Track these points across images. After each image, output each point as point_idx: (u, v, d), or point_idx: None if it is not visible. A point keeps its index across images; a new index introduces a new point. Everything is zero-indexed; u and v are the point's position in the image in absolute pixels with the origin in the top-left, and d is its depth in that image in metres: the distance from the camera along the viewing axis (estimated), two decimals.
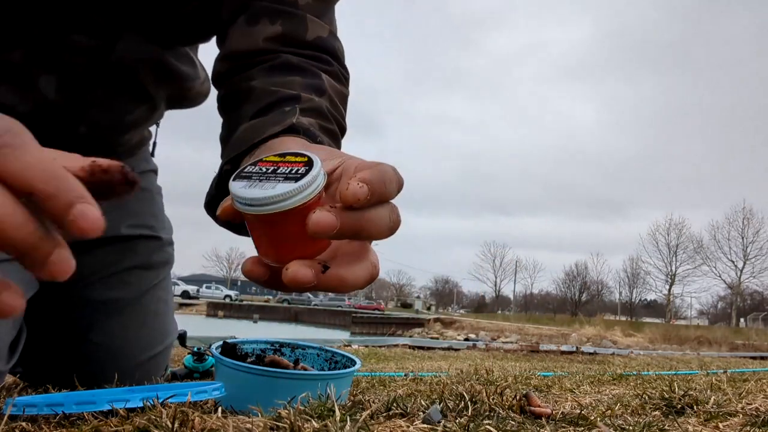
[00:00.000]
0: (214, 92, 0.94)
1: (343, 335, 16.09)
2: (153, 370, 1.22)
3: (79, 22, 0.87)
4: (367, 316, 35.23)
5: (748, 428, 0.69)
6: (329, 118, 0.80)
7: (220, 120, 0.86)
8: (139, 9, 0.89)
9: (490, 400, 0.77)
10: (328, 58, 0.88)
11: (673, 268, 46.64)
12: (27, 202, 0.39)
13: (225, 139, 0.80)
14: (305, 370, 0.82)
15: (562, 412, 0.72)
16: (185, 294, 37.82)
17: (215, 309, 34.27)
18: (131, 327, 1.16)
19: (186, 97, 1.11)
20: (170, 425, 0.48)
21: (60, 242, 0.41)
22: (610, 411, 0.79)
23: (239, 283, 55.39)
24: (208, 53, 1.09)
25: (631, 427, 0.65)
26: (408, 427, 0.58)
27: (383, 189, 0.49)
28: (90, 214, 0.39)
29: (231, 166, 0.72)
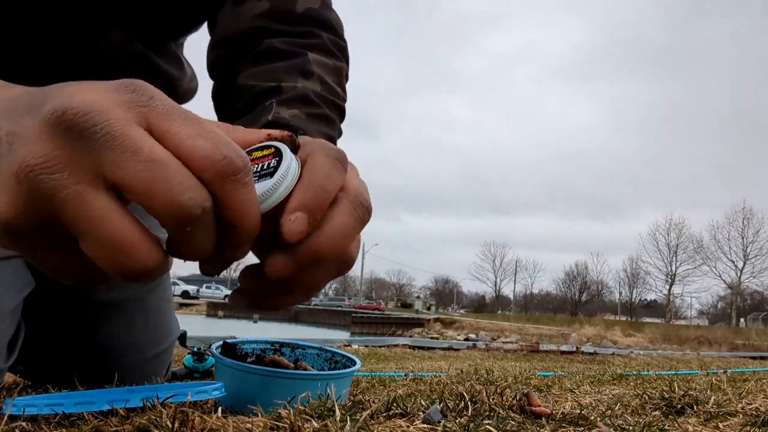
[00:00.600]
0: (204, 90, 0.94)
1: (343, 335, 16.08)
2: (158, 367, 1.22)
3: (63, 22, 0.85)
4: (367, 316, 35.22)
5: (748, 428, 0.69)
6: (317, 102, 0.77)
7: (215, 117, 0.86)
8: (125, 6, 0.88)
9: (490, 400, 0.77)
10: (317, 31, 0.85)
11: (673, 268, 46.65)
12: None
13: None
14: (305, 370, 0.82)
15: (562, 412, 0.72)
16: (185, 294, 37.80)
17: (215, 309, 34.25)
18: (135, 326, 1.16)
19: (173, 95, 1.10)
20: (170, 425, 0.48)
21: None
22: (610, 411, 0.79)
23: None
24: (196, 48, 1.08)
25: (631, 427, 0.65)
26: (408, 427, 0.58)
27: (323, 195, 0.43)
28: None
29: None
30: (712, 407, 0.83)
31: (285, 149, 0.44)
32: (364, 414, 0.51)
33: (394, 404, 0.65)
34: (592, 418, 0.68)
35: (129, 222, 0.34)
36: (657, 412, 0.82)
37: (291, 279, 0.44)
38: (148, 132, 0.35)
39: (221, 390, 0.64)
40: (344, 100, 0.84)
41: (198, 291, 41.50)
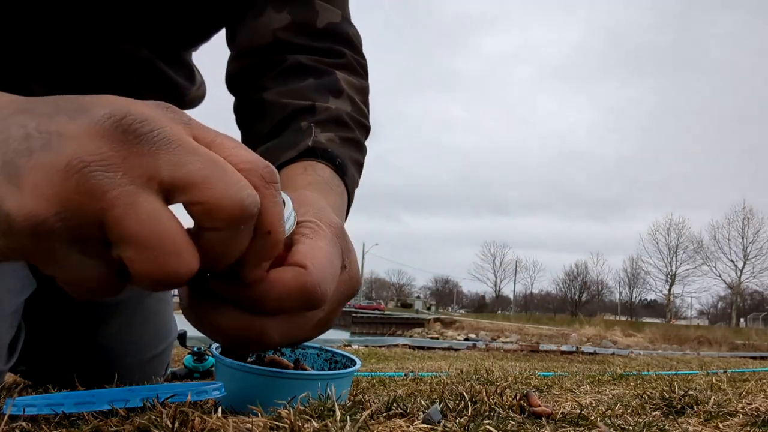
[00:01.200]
0: (215, 95, 0.93)
1: (343, 335, 16.08)
2: (156, 368, 1.22)
3: (72, 29, 0.85)
4: (367, 316, 35.23)
5: (748, 428, 0.69)
6: (349, 125, 0.76)
7: (217, 118, 0.85)
8: (137, 18, 0.86)
9: (490, 400, 0.77)
10: (341, 49, 0.84)
11: (673, 268, 46.67)
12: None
13: None
14: (305, 370, 0.82)
15: (562, 412, 0.72)
16: None
17: None
18: (135, 327, 1.16)
19: (180, 103, 1.09)
20: (170, 425, 0.48)
21: None
22: (610, 411, 0.79)
23: None
24: (207, 55, 1.07)
25: (631, 427, 0.65)
26: (408, 427, 0.58)
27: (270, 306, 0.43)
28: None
29: None
30: (712, 407, 0.83)
31: (288, 201, 0.45)
32: (364, 414, 0.51)
33: (394, 404, 0.65)
34: (592, 418, 0.68)
35: (177, 225, 0.34)
36: (657, 412, 0.82)
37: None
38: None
39: (221, 390, 0.64)
40: (368, 119, 0.83)
41: None
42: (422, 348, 5.29)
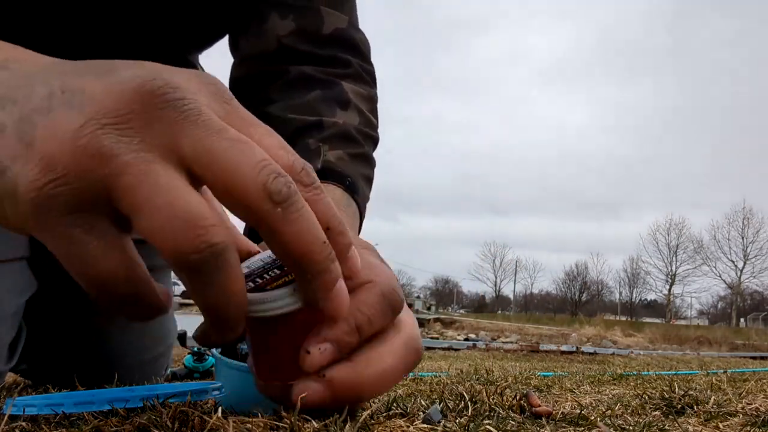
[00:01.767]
0: None
1: None
2: (157, 368, 1.22)
3: (76, 31, 0.84)
4: None
5: (748, 428, 0.69)
6: (357, 139, 0.74)
7: None
8: (140, 21, 0.86)
9: (490, 400, 0.77)
10: (347, 57, 0.81)
11: (673, 268, 46.67)
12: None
13: None
14: None
15: (562, 412, 0.72)
16: (185, 294, 37.80)
17: None
18: (135, 328, 1.16)
19: None
20: (170, 425, 0.48)
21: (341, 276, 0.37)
22: (610, 411, 0.79)
23: None
24: (213, 57, 1.06)
25: (631, 427, 0.65)
26: (408, 427, 0.58)
27: (355, 338, 0.41)
28: (357, 261, 0.39)
29: None
30: (712, 407, 0.83)
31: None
32: (364, 414, 0.51)
33: (394, 404, 0.65)
34: (592, 418, 0.68)
35: (198, 196, 0.31)
36: (657, 412, 0.82)
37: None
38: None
39: (221, 390, 0.64)
40: (377, 129, 0.81)
41: None
42: None
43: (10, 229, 0.33)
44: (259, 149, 0.33)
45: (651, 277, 49.32)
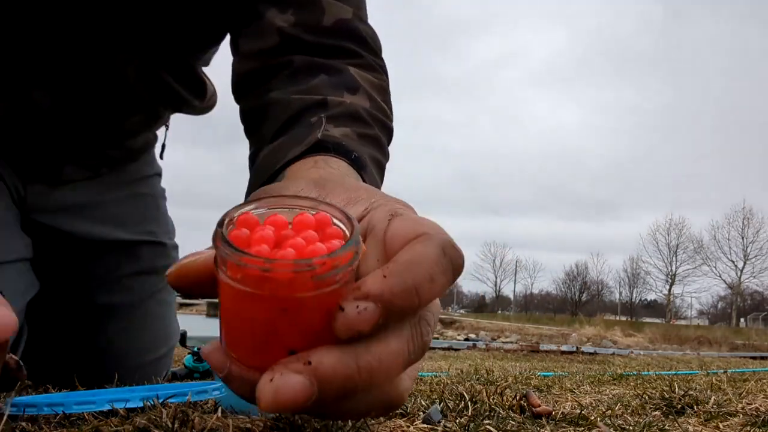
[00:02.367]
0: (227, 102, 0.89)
1: None
2: (158, 370, 1.22)
3: (75, 38, 0.84)
4: None
5: (748, 428, 0.69)
6: (367, 121, 0.67)
7: (220, 117, 0.80)
8: (136, 27, 0.85)
9: (490, 400, 0.77)
10: (354, 48, 0.75)
11: (673, 268, 46.65)
12: None
13: (250, 168, 0.70)
14: None
15: (562, 412, 0.72)
16: (186, 294, 37.71)
17: (215, 309, 34.06)
18: (134, 330, 1.16)
19: (191, 110, 1.08)
20: (170, 425, 0.48)
21: None
22: (610, 411, 0.79)
23: None
24: (219, 63, 1.05)
25: (631, 427, 0.65)
26: (408, 427, 0.58)
27: (412, 300, 0.32)
28: None
29: None
30: (712, 407, 0.83)
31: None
32: None
33: None
34: (592, 418, 0.68)
35: None
36: (657, 412, 0.81)
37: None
38: None
39: (221, 390, 0.64)
40: (392, 119, 0.74)
41: None
42: None
43: None
44: None
45: (651, 277, 49.35)
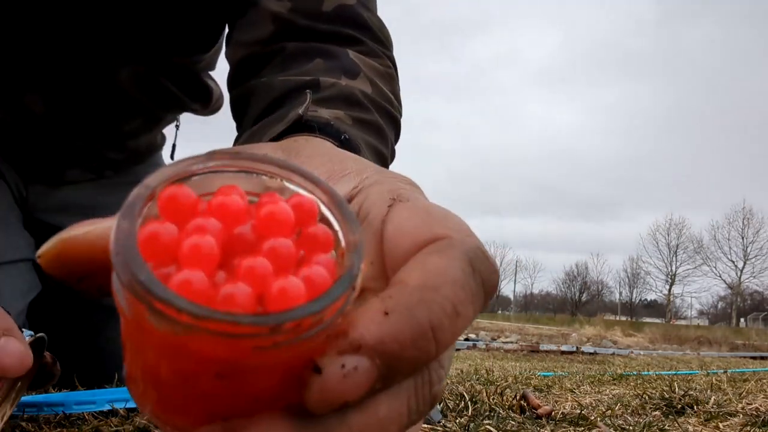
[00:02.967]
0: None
1: None
2: None
3: (69, 43, 0.83)
4: None
5: (748, 428, 0.69)
6: (366, 105, 0.57)
7: (227, 119, 0.77)
8: (129, 28, 0.83)
9: (490, 400, 0.77)
10: (355, 34, 0.67)
11: (673, 268, 46.64)
12: None
13: None
14: None
15: (562, 412, 0.72)
16: None
17: None
18: None
19: (195, 112, 1.08)
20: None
21: None
22: (610, 411, 0.79)
23: None
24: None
25: (631, 427, 0.65)
26: None
27: (427, 348, 0.21)
28: (11, 348, 0.35)
29: None
30: (712, 407, 0.83)
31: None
32: None
33: None
34: (592, 418, 0.68)
35: None
36: (657, 412, 0.81)
37: None
38: None
39: None
40: (400, 111, 0.65)
41: None
42: None
43: None
44: None
45: (651, 277, 49.33)
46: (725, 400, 0.88)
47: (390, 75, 0.66)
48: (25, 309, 0.95)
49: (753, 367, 3.64)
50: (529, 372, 1.89)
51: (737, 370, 2.72)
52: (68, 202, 1.06)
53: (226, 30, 0.83)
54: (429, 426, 0.56)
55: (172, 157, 1.24)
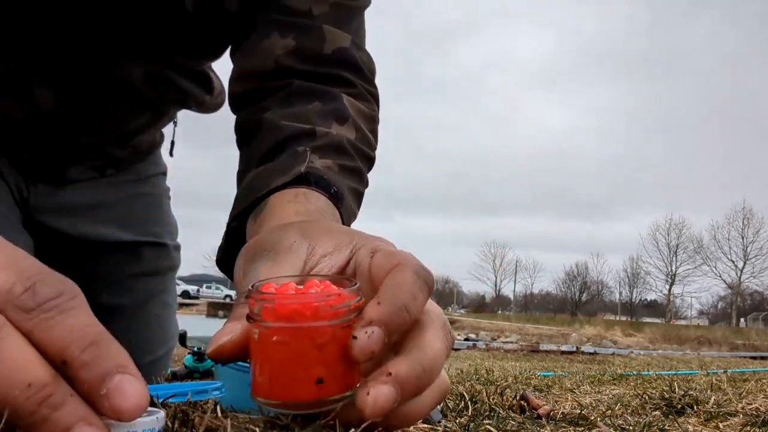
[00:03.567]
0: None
1: None
2: (157, 370, 1.22)
3: (79, 37, 0.84)
4: None
5: (748, 428, 0.69)
6: (350, 152, 0.73)
7: (219, 118, 0.82)
8: (138, 33, 0.85)
9: (490, 400, 0.77)
10: (349, 77, 0.80)
11: (673, 268, 46.67)
12: (64, 375, 0.33)
13: (238, 185, 0.74)
14: None
15: (562, 412, 0.72)
16: (185, 294, 37.78)
17: (215, 309, 34.17)
18: (135, 331, 1.16)
19: (198, 107, 1.08)
20: (170, 425, 0.48)
21: (87, 418, 0.32)
22: (610, 411, 0.79)
23: None
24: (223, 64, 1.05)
25: (631, 427, 0.65)
26: (407, 426, 0.57)
27: (404, 317, 0.40)
28: (129, 388, 0.33)
29: (239, 222, 0.67)
30: (712, 407, 0.83)
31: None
32: None
33: None
34: (592, 418, 0.68)
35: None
36: (657, 412, 0.82)
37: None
38: None
39: (221, 390, 0.64)
40: (375, 149, 0.80)
41: (198, 291, 41.54)
42: None
43: None
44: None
45: (651, 277, 49.36)
46: (725, 400, 0.88)
47: (372, 117, 0.81)
48: None
49: (753, 367, 3.64)
50: (529, 372, 1.89)
51: (737, 370, 2.73)
52: (69, 204, 1.06)
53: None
54: (429, 426, 0.56)
55: (171, 153, 1.25)
